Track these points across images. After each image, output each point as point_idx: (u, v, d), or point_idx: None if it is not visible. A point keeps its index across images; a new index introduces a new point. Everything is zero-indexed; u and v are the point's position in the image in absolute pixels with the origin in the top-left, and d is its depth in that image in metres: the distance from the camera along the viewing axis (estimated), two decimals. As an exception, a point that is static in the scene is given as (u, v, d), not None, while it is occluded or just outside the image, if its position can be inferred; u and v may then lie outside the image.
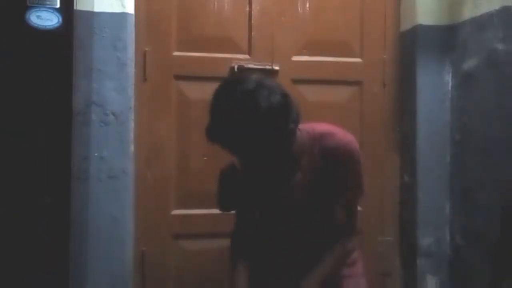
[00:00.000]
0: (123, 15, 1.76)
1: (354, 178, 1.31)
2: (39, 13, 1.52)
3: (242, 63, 1.91)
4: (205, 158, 1.91)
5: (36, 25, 1.52)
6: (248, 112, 1.09)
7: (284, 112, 1.14)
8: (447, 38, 1.96)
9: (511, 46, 1.66)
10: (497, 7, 1.71)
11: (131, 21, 1.79)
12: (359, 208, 1.99)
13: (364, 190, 1.35)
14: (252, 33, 1.94)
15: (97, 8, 1.72)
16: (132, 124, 1.80)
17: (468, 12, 1.86)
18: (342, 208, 1.33)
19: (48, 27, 1.53)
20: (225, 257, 1.90)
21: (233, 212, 1.45)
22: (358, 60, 2.04)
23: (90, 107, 1.72)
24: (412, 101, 1.99)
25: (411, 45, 2.00)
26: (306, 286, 1.29)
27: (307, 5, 1.99)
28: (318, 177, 1.30)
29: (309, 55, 1.99)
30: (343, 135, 1.32)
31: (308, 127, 1.33)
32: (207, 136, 1.17)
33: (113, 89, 1.75)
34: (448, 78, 1.97)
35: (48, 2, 1.52)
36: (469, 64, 1.86)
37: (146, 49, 1.87)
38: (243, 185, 1.38)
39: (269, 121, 1.10)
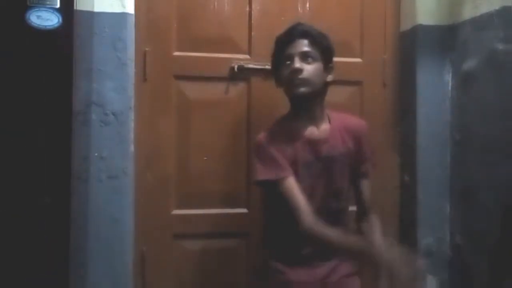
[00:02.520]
0: (123, 15, 1.76)
1: (373, 153, 1.65)
2: (39, 13, 1.52)
3: (242, 63, 1.91)
4: (205, 158, 1.91)
5: (36, 25, 1.52)
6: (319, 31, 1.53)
7: (331, 51, 1.56)
8: (447, 38, 1.96)
9: (511, 46, 1.66)
10: (497, 7, 1.71)
11: (131, 21, 1.79)
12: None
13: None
14: (252, 33, 1.94)
15: (97, 8, 1.72)
16: (132, 124, 1.80)
17: (468, 12, 1.86)
18: (368, 184, 1.63)
19: (48, 27, 1.53)
20: (225, 257, 1.92)
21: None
22: (358, 60, 2.04)
23: (90, 107, 1.72)
24: (412, 101, 1.99)
25: (411, 45, 2.00)
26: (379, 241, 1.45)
27: (307, 5, 1.99)
28: (346, 153, 1.55)
29: (309, 55, 1.99)
30: (359, 118, 1.69)
31: (338, 113, 1.63)
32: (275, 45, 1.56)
33: (113, 89, 1.75)
34: (448, 78, 1.97)
35: (48, 2, 1.52)
36: (469, 64, 1.86)
37: (146, 49, 1.87)
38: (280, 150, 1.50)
39: (330, 43, 1.54)
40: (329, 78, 1.54)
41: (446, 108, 1.97)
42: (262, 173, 1.48)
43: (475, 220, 1.83)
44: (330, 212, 1.50)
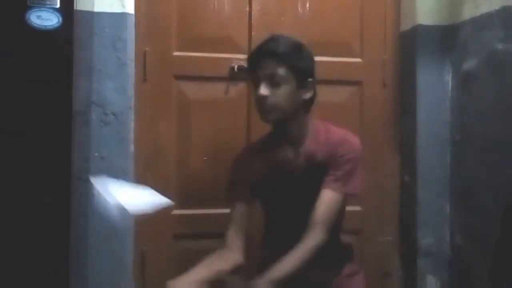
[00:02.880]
0: (123, 15, 1.76)
1: (356, 177, 1.44)
2: (39, 13, 1.52)
3: (242, 63, 1.91)
4: (205, 158, 1.91)
5: (36, 25, 1.52)
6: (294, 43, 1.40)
7: (307, 68, 1.42)
8: (447, 38, 1.96)
9: (511, 46, 1.66)
10: (497, 7, 1.71)
11: (131, 21, 1.79)
12: (359, 208, 2.02)
13: (361, 191, 1.47)
14: (252, 33, 1.94)
15: (97, 8, 1.72)
16: (132, 124, 1.80)
17: (468, 12, 1.86)
18: (327, 197, 1.40)
19: (48, 27, 1.53)
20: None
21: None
22: (358, 60, 2.04)
23: (90, 107, 1.72)
24: (412, 101, 1.99)
25: (411, 45, 2.00)
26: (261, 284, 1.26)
27: (307, 5, 1.99)
28: (321, 172, 1.41)
29: (309, 55, 1.99)
30: (354, 146, 1.46)
31: (323, 128, 1.48)
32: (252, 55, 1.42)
33: (113, 89, 1.75)
34: (448, 78, 1.97)
35: (48, 2, 1.52)
36: (469, 64, 1.86)
37: (146, 49, 1.87)
38: (257, 169, 1.47)
39: (305, 56, 1.40)
40: (307, 95, 1.41)
41: (446, 108, 1.97)
42: (225, 189, 1.54)
43: (475, 220, 1.83)
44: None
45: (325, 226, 1.36)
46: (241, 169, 1.51)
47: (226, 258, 1.42)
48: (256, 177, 1.47)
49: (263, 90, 1.35)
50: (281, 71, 1.35)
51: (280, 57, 1.35)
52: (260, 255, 1.54)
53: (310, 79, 1.41)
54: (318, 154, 1.43)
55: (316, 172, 1.41)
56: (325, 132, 1.46)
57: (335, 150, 1.41)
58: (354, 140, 1.45)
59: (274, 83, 1.35)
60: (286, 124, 1.43)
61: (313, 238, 1.34)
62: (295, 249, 1.32)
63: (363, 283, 1.55)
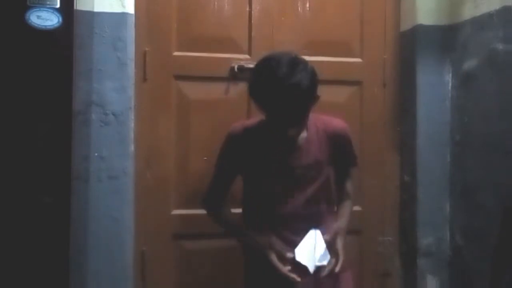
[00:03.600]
0: (123, 15, 1.76)
1: (353, 152, 1.62)
2: (39, 13, 1.52)
3: (242, 63, 1.91)
4: (205, 158, 1.91)
5: (36, 25, 1.52)
6: (294, 92, 1.33)
7: (316, 84, 1.41)
8: (447, 38, 1.96)
9: (511, 46, 1.66)
10: (497, 7, 1.71)
11: (131, 21, 1.79)
12: (359, 208, 2.02)
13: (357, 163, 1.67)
14: (252, 33, 1.94)
15: (97, 8, 1.72)
16: (132, 124, 1.80)
17: (468, 12, 1.86)
18: (350, 180, 1.64)
19: (48, 27, 1.53)
20: (225, 257, 1.92)
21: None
22: (358, 60, 2.04)
23: (90, 107, 1.72)
24: (412, 101, 1.99)
25: (411, 45, 2.00)
26: (339, 228, 1.51)
27: (307, 5, 1.99)
28: (322, 150, 1.52)
29: (309, 55, 1.97)
30: (339, 120, 1.60)
31: (317, 116, 1.56)
32: (253, 93, 1.41)
33: (113, 89, 1.75)
34: (448, 78, 1.98)
35: (48, 2, 1.52)
36: (469, 64, 1.86)
37: (146, 49, 1.87)
38: (253, 147, 1.51)
39: (309, 94, 1.37)
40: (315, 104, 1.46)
41: (446, 108, 1.97)
42: (217, 159, 1.59)
43: (475, 220, 1.83)
44: (310, 216, 1.50)
45: (352, 197, 1.66)
46: (236, 145, 1.53)
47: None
48: (257, 152, 1.51)
49: (292, 131, 1.41)
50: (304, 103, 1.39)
51: (304, 93, 1.35)
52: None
53: (318, 95, 1.43)
54: (319, 133, 1.52)
55: (318, 148, 1.51)
56: (320, 118, 1.55)
57: (338, 132, 1.55)
58: (345, 123, 1.60)
59: None
60: None
61: (350, 205, 1.64)
62: (343, 210, 1.60)
63: (351, 280, 1.55)
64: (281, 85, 1.32)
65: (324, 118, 1.57)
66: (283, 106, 1.33)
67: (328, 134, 1.53)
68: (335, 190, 1.61)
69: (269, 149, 1.50)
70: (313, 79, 1.38)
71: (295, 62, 1.37)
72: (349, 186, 1.64)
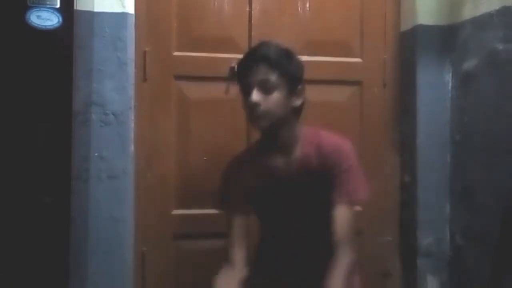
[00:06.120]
0: (123, 15, 1.76)
1: (354, 184, 1.40)
2: (39, 13, 1.52)
3: (242, 63, 1.91)
4: (205, 158, 1.91)
5: (36, 25, 1.52)
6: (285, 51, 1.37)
7: (295, 70, 1.39)
8: (447, 38, 1.96)
9: (511, 46, 1.66)
10: (497, 7, 1.71)
11: (131, 21, 1.79)
12: (359, 208, 2.01)
13: (363, 197, 1.42)
14: (252, 33, 1.94)
15: (97, 8, 1.72)
16: (132, 124, 1.80)
17: (468, 12, 1.86)
18: (343, 213, 1.36)
19: (48, 27, 1.53)
20: (225, 257, 1.91)
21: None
22: (358, 60, 2.04)
23: (90, 107, 1.72)
24: (412, 101, 1.99)
25: (411, 45, 2.00)
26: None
27: (307, 5, 1.99)
28: (315, 182, 1.39)
29: (309, 55, 1.98)
30: (340, 141, 1.42)
31: (313, 135, 1.44)
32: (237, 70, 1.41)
33: (113, 89, 1.75)
34: (448, 78, 1.97)
35: (48, 2, 1.52)
36: (469, 64, 1.86)
37: (146, 49, 1.87)
38: (248, 180, 1.44)
39: (296, 63, 1.38)
40: (297, 102, 1.39)
41: (446, 108, 1.97)
42: (218, 202, 1.53)
43: (475, 220, 1.83)
44: (303, 239, 1.44)
45: (351, 242, 1.35)
46: (233, 181, 1.48)
47: (234, 276, 1.40)
48: (249, 188, 1.45)
49: (256, 96, 1.32)
50: (273, 77, 1.33)
51: (272, 63, 1.33)
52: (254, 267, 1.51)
53: (300, 86, 1.40)
54: (310, 161, 1.40)
55: (309, 179, 1.39)
56: (316, 138, 1.42)
57: (330, 159, 1.37)
58: (346, 146, 1.41)
59: (266, 89, 1.33)
60: (277, 132, 1.40)
61: (345, 257, 1.32)
62: (334, 270, 1.28)
63: (359, 284, 1.54)
64: (255, 53, 1.36)
65: (322, 136, 1.43)
66: (251, 72, 1.34)
67: (320, 153, 1.39)
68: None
69: (256, 179, 1.43)
70: (292, 63, 1.37)
71: (283, 48, 1.38)
72: (341, 230, 1.34)
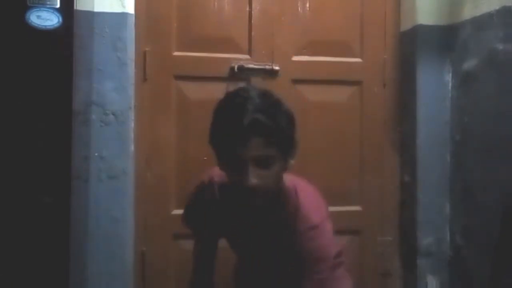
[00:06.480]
0: (123, 15, 1.76)
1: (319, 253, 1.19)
2: (39, 13, 1.52)
3: (242, 63, 1.91)
4: (205, 158, 1.91)
5: (36, 25, 1.52)
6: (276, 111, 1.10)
7: (294, 124, 1.15)
8: (447, 38, 1.96)
9: (511, 46, 1.66)
10: (497, 7, 1.71)
11: (131, 21, 1.79)
12: (359, 208, 2.02)
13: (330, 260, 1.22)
14: (252, 33, 1.94)
15: (97, 8, 1.72)
16: (132, 124, 1.80)
17: (468, 12, 1.86)
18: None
19: (48, 27, 1.53)
20: (224, 257, 1.91)
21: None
22: (358, 60, 2.04)
23: (90, 107, 1.72)
24: (412, 101, 1.99)
25: (411, 45, 2.00)
26: None
27: (307, 5, 1.99)
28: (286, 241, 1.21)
29: (309, 55, 1.99)
30: (324, 233, 1.20)
31: (293, 190, 1.23)
32: (215, 133, 1.19)
33: (113, 89, 1.75)
34: (448, 78, 1.97)
35: (48, 2, 1.52)
36: (469, 64, 1.86)
37: (146, 49, 1.87)
38: (217, 207, 1.33)
39: (290, 125, 1.13)
40: (292, 163, 1.17)
41: (446, 108, 1.97)
42: (185, 218, 1.49)
43: (475, 220, 1.83)
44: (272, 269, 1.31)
45: None
46: (201, 201, 1.38)
47: None
48: (223, 218, 1.33)
49: (254, 178, 1.08)
50: (272, 150, 1.09)
51: (273, 134, 1.08)
52: None
53: (296, 147, 1.16)
54: (288, 220, 1.19)
55: (286, 226, 1.21)
56: (294, 195, 1.22)
57: (303, 234, 1.17)
58: (315, 214, 1.20)
59: (263, 164, 1.09)
60: None
61: None
62: None
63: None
64: (242, 117, 1.07)
65: (301, 196, 1.21)
66: (248, 145, 1.06)
67: (296, 217, 1.18)
68: None
69: (231, 213, 1.29)
70: (291, 128, 1.13)
71: (272, 102, 1.12)
72: None
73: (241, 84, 1.92)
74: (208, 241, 1.48)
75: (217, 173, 1.33)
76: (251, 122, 1.06)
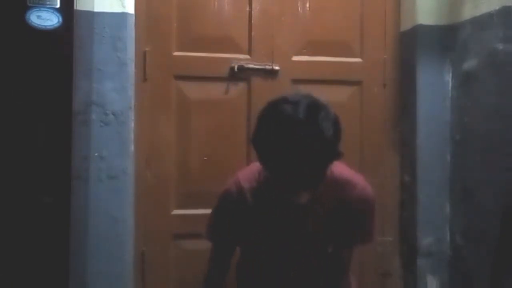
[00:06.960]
0: (123, 15, 1.76)
1: (369, 228, 1.41)
2: (39, 13, 1.52)
3: (242, 63, 1.91)
4: (205, 158, 1.91)
5: (36, 25, 1.52)
6: (313, 145, 1.07)
7: (339, 136, 1.14)
8: (447, 38, 1.96)
9: (511, 46, 1.66)
10: (497, 7, 1.71)
11: (131, 21, 1.79)
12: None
13: (374, 238, 1.44)
14: (252, 33, 1.94)
15: (97, 8, 1.72)
16: (132, 124, 1.80)
17: (468, 12, 1.86)
18: (350, 252, 1.42)
19: (48, 27, 1.53)
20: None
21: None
22: (358, 60, 2.04)
23: (90, 107, 1.72)
24: (412, 101, 1.99)
25: (411, 45, 2.00)
26: None
27: (307, 5, 1.99)
28: (329, 220, 1.31)
29: (309, 55, 1.99)
30: (363, 187, 1.34)
31: (337, 173, 1.30)
32: (259, 142, 1.14)
33: (113, 89, 1.75)
34: (448, 78, 1.97)
35: (48, 2, 1.52)
36: (469, 64, 1.86)
37: (146, 49, 1.87)
38: (251, 213, 1.32)
39: (330, 146, 1.11)
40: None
41: (446, 108, 1.97)
42: (208, 230, 1.44)
43: (475, 220, 1.83)
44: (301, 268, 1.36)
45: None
46: (233, 211, 1.34)
47: None
48: (252, 220, 1.32)
49: (304, 198, 1.18)
50: (320, 174, 1.15)
51: (320, 154, 1.09)
52: None
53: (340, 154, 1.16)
54: (329, 199, 1.29)
55: (324, 215, 1.30)
56: (338, 176, 1.29)
57: (354, 203, 1.30)
58: (369, 190, 1.35)
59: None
60: None
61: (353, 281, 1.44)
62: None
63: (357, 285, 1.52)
64: (298, 133, 1.05)
65: (344, 181, 1.29)
66: (297, 161, 1.06)
67: (339, 200, 1.29)
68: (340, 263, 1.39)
69: (267, 213, 1.30)
70: (337, 130, 1.13)
71: (316, 106, 1.12)
72: (349, 264, 1.42)
73: (242, 84, 1.92)
74: (226, 255, 1.45)
75: (243, 178, 1.34)
76: (300, 182, 1.11)
